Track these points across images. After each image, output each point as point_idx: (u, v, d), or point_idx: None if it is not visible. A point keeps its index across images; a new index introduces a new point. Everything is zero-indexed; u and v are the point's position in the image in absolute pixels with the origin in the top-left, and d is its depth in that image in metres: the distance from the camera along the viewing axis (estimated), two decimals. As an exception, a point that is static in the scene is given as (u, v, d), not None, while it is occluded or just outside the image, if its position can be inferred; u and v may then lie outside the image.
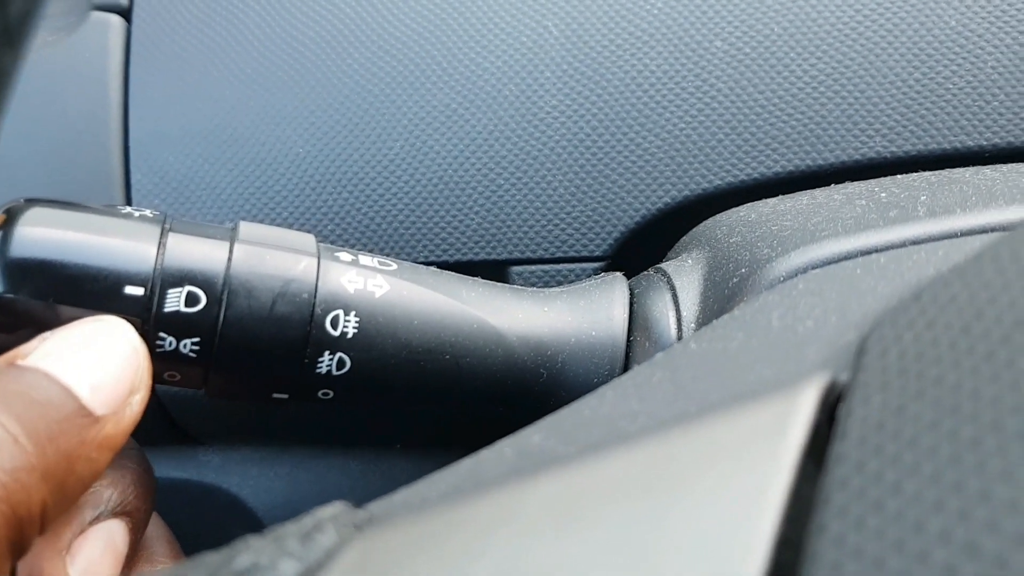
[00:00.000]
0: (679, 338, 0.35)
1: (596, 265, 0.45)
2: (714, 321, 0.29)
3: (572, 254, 0.45)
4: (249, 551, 0.19)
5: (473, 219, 0.45)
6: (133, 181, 0.46)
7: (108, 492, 0.34)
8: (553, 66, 0.45)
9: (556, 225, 0.45)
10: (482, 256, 0.45)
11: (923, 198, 0.34)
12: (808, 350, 0.24)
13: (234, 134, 0.46)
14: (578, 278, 0.44)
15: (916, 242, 0.31)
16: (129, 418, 0.31)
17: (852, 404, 0.18)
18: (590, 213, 0.44)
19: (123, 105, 0.46)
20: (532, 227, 0.45)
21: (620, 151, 0.44)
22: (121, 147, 0.46)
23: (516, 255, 0.45)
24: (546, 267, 0.45)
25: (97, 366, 0.30)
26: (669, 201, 0.44)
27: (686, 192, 0.44)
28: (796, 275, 0.31)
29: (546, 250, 0.45)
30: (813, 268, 0.31)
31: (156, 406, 0.49)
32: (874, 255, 0.30)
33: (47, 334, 0.31)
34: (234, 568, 0.18)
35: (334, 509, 0.20)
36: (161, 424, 0.50)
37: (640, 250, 0.45)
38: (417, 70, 0.45)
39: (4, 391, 0.29)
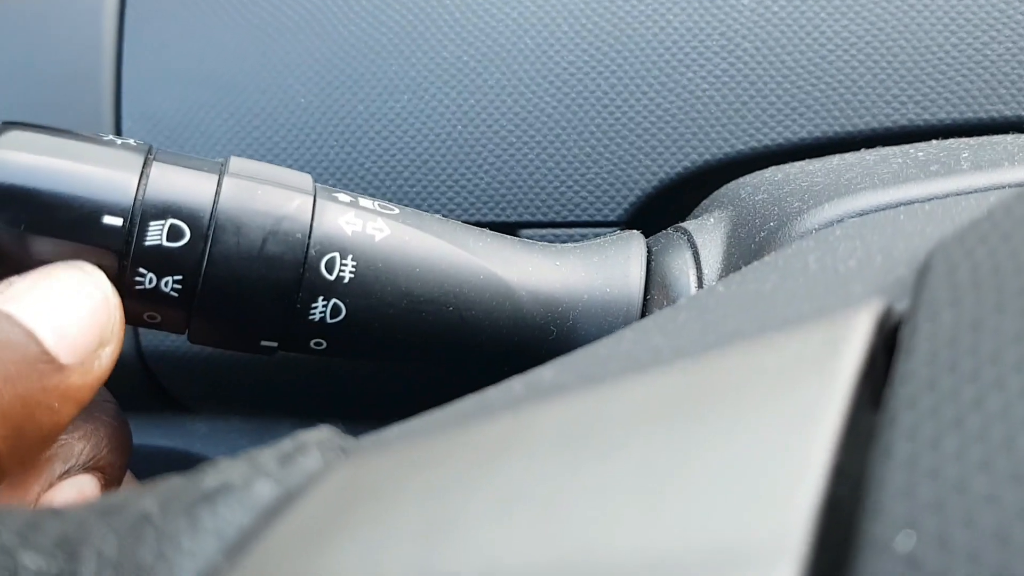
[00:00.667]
0: (700, 297, 0.33)
1: (610, 230, 0.42)
2: (743, 268, 0.27)
3: (585, 218, 0.42)
4: (219, 471, 0.17)
5: (483, 178, 0.42)
6: (124, 127, 0.43)
7: (80, 445, 0.32)
8: (571, 19, 0.42)
9: (569, 187, 0.42)
10: (491, 217, 0.42)
11: (965, 154, 0.32)
12: (853, 286, 0.21)
13: (232, 81, 0.43)
14: (591, 243, 0.42)
15: (961, 195, 0.29)
16: (98, 371, 0.29)
17: (918, 321, 0.16)
18: (606, 175, 0.42)
19: (117, 46, 0.44)
20: (544, 188, 0.42)
21: (639, 111, 0.42)
22: (113, 91, 0.44)
23: (527, 217, 0.42)
24: (558, 231, 0.43)
25: (64, 312, 0.28)
26: (689, 165, 0.42)
27: (707, 156, 0.42)
28: (830, 226, 0.29)
29: (558, 213, 0.42)
30: (849, 219, 0.29)
31: (143, 371, 0.47)
32: (917, 205, 0.28)
33: (14, 278, 0.29)
34: (201, 488, 0.16)
35: (320, 433, 0.18)
36: (148, 390, 0.48)
37: (657, 216, 0.42)
38: (428, 19, 0.43)
39: None
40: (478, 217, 0.42)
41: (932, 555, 0.12)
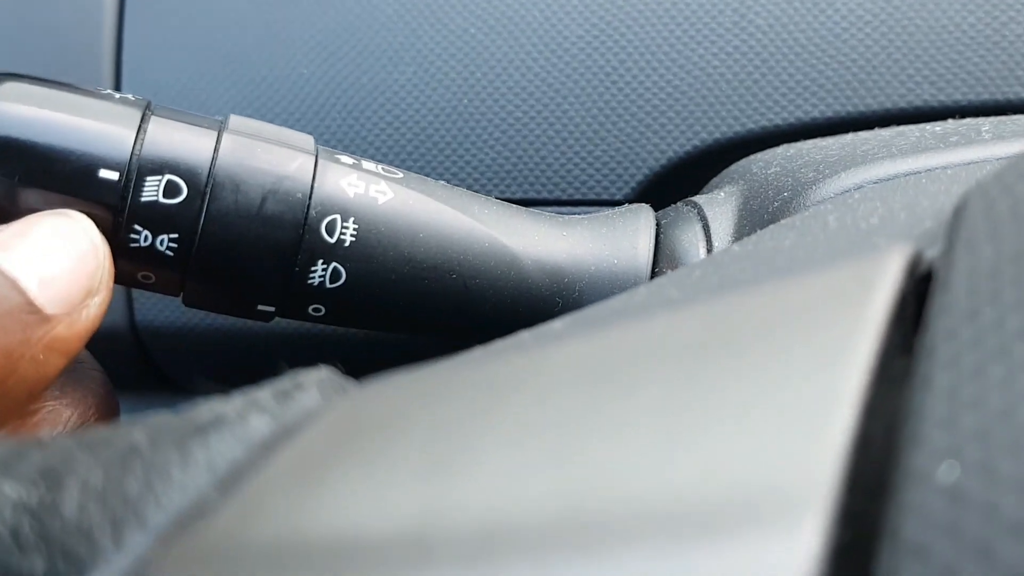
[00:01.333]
0: (710, 270, 0.32)
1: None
2: (760, 231, 0.26)
3: (592, 196, 0.41)
4: (213, 406, 0.16)
5: (488, 154, 0.41)
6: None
7: (68, 412, 0.31)
8: (581, -7, 0.41)
9: (576, 164, 0.41)
10: (496, 194, 0.42)
11: (985, 128, 0.31)
12: (877, 239, 0.20)
13: (234, 50, 0.42)
14: (597, 221, 0.41)
15: (984, 163, 0.28)
16: (85, 321, 0.28)
17: (956, 255, 0.15)
18: (613, 153, 0.41)
19: (118, 13, 0.43)
20: (551, 165, 0.41)
21: (649, 88, 0.41)
22: (113, 60, 0.43)
23: (532, 195, 0.42)
24: (564, 208, 0.42)
25: (50, 260, 0.27)
26: (699, 144, 0.41)
27: (717, 135, 0.41)
28: (848, 192, 0.28)
29: (564, 191, 0.42)
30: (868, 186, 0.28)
31: (136, 347, 0.46)
32: (939, 171, 0.27)
33: (3, 226, 0.28)
34: (194, 422, 0.15)
35: (320, 373, 0.17)
36: (141, 368, 0.47)
37: (666, 195, 0.41)
38: (434, -9, 0.42)
39: None
40: (483, 194, 0.41)
41: (977, 485, 0.12)
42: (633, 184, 0.41)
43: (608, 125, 0.41)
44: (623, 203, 0.41)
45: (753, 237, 0.25)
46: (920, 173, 0.27)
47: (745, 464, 0.13)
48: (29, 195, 0.28)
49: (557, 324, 0.20)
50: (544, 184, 0.41)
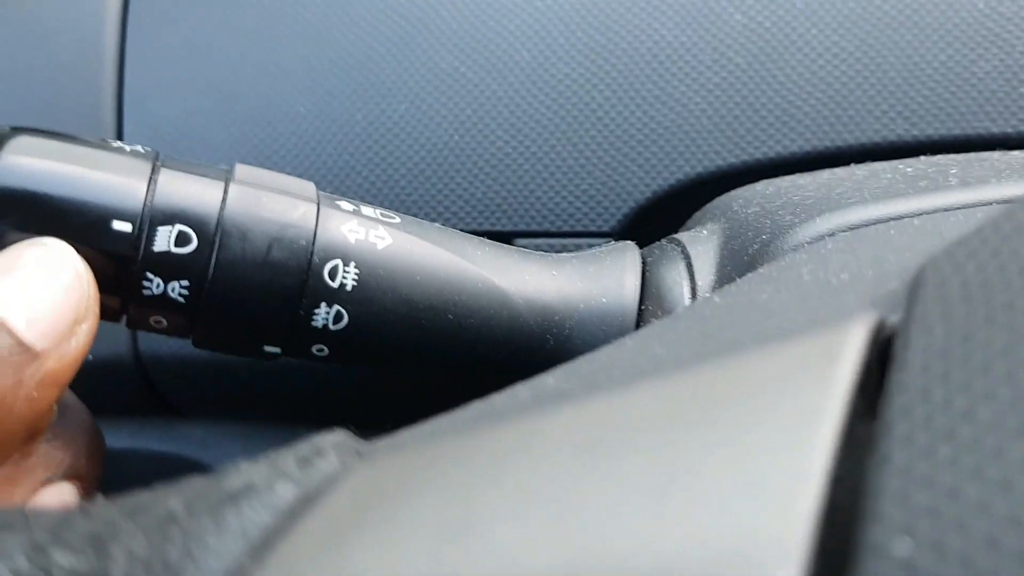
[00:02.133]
0: (693, 307, 0.33)
1: (603, 240, 0.43)
2: (738, 280, 0.28)
3: (579, 228, 0.43)
4: (241, 473, 0.17)
5: (477, 187, 0.43)
6: (125, 133, 0.44)
7: (60, 454, 0.32)
8: (567, 32, 0.43)
9: (564, 197, 0.43)
10: (485, 226, 0.43)
11: (953, 171, 0.33)
12: (846, 298, 0.22)
13: (233, 89, 0.44)
14: (584, 252, 0.43)
15: (949, 211, 0.29)
16: (75, 350, 0.28)
17: (911, 334, 0.17)
18: (599, 187, 0.43)
19: (119, 54, 0.44)
20: (539, 198, 0.43)
21: (632, 123, 0.42)
22: (115, 98, 0.44)
23: (521, 227, 0.43)
24: (551, 240, 0.43)
25: (35, 295, 0.27)
26: (682, 177, 0.42)
27: (699, 169, 0.42)
28: (821, 240, 0.30)
29: (552, 223, 0.43)
30: (840, 233, 0.30)
31: (139, 375, 0.47)
32: (907, 220, 0.29)
33: None
34: (225, 489, 0.17)
35: (335, 436, 0.19)
36: (142, 394, 0.48)
37: (649, 227, 0.43)
38: (425, 30, 0.44)
39: None
40: (473, 226, 0.43)
41: (927, 560, 0.13)
42: (619, 216, 0.43)
43: (593, 159, 0.43)
44: (607, 235, 0.43)
45: (732, 288, 0.26)
46: (890, 221, 0.29)
47: (725, 529, 0.15)
48: None
49: (551, 380, 0.22)
50: (533, 216, 0.43)
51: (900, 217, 0.29)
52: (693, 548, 0.14)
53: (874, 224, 0.29)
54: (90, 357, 0.29)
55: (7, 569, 0.15)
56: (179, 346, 0.46)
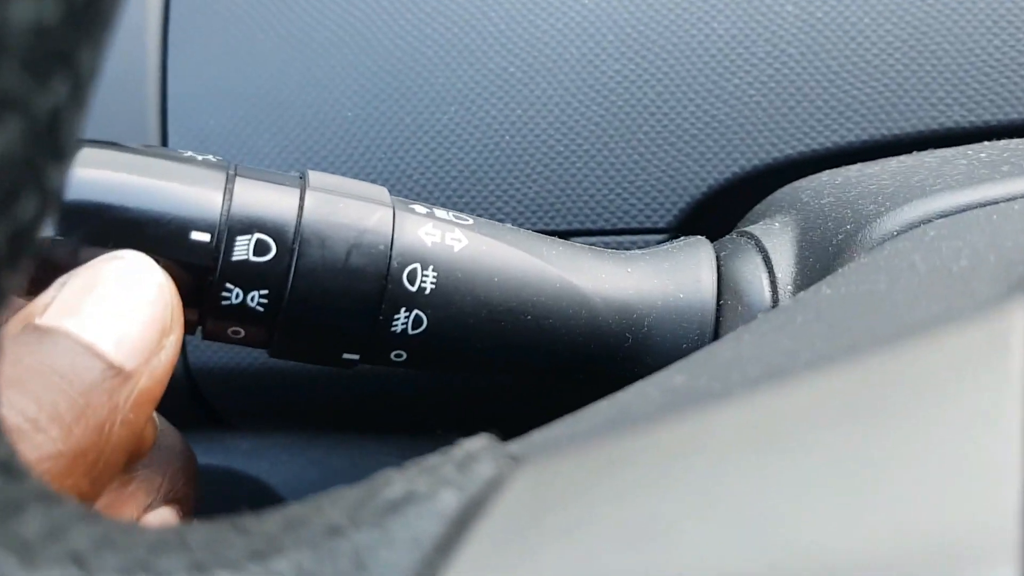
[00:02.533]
0: (774, 302, 0.33)
1: (659, 237, 0.42)
2: (839, 271, 0.27)
3: (635, 225, 0.43)
4: (400, 480, 0.17)
5: (531, 188, 0.42)
6: (171, 143, 0.43)
7: (159, 479, 0.31)
8: (616, 29, 0.42)
9: (618, 195, 0.42)
10: (540, 226, 0.43)
11: (1032, 154, 0.32)
12: (976, 285, 0.21)
13: (278, 96, 0.43)
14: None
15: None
16: (165, 364, 0.27)
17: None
18: (654, 183, 0.42)
19: (161, 63, 0.44)
20: (593, 196, 0.42)
21: (686, 118, 0.42)
22: (159, 107, 0.44)
23: (576, 226, 0.43)
24: (607, 238, 0.43)
25: (121, 314, 0.26)
26: (738, 171, 0.42)
27: (755, 162, 0.42)
28: (911, 229, 0.29)
29: (607, 221, 0.43)
30: (935, 220, 0.29)
31: (187, 386, 0.46)
32: (1004, 204, 0.28)
33: (64, 278, 0.27)
34: (386, 498, 0.16)
35: (482, 441, 0.18)
36: (190, 405, 0.48)
37: (705, 221, 0.42)
38: (472, 31, 0.43)
39: (21, 366, 0.25)
40: (528, 227, 0.42)
41: None
42: (675, 212, 0.42)
43: (647, 155, 0.42)
44: (663, 231, 0.42)
45: (839, 278, 0.26)
46: (985, 206, 0.28)
47: (932, 525, 0.14)
48: None
49: (678, 378, 0.21)
50: (587, 215, 0.42)
51: (994, 202, 0.29)
52: (901, 541, 0.14)
53: (969, 210, 0.29)
54: None
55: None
56: (228, 358, 0.45)
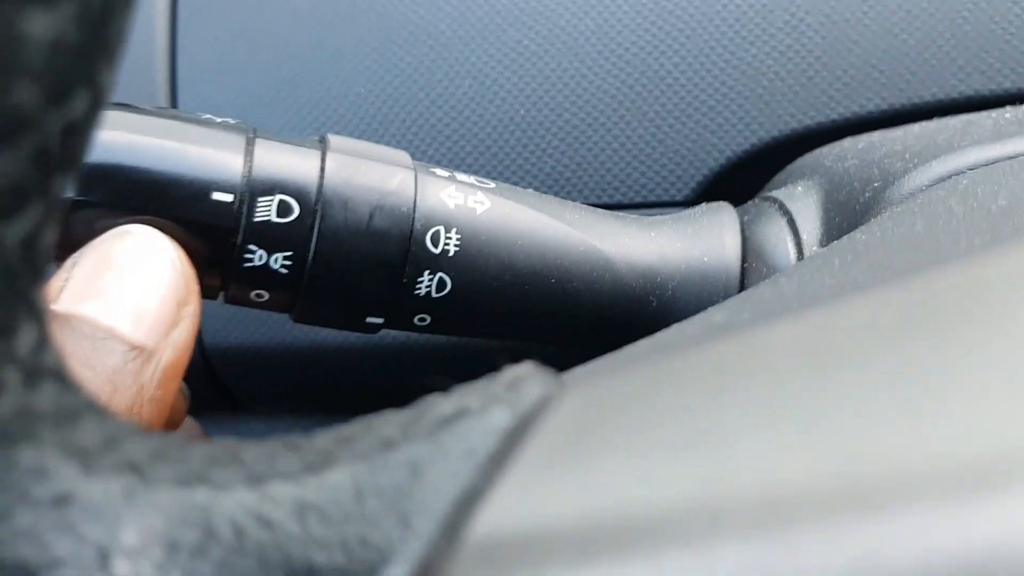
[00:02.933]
0: (800, 263, 0.32)
1: (678, 210, 0.42)
2: (872, 220, 0.27)
3: (652, 199, 0.42)
4: (451, 399, 0.16)
5: (548, 162, 0.42)
6: (185, 121, 0.43)
7: None
8: (632, 0, 0.42)
9: (636, 168, 0.42)
10: (557, 201, 0.42)
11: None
12: (1018, 220, 0.21)
13: (289, 72, 0.43)
14: (660, 223, 0.42)
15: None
16: (186, 335, 0.27)
17: None
18: (672, 155, 0.42)
19: (170, 40, 0.43)
20: (610, 170, 0.42)
21: (704, 89, 0.42)
22: (168, 85, 0.43)
23: (593, 199, 0.42)
24: (625, 212, 0.42)
25: (136, 291, 0.26)
26: (756, 142, 0.42)
27: (774, 133, 0.42)
28: (948, 180, 0.29)
29: (624, 194, 0.42)
30: (967, 171, 0.29)
31: (203, 368, 0.46)
32: (1036, 154, 0.28)
33: (74, 258, 0.27)
34: (438, 414, 0.16)
35: (527, 366, 0.18)
36: (206, 388, 0.47)
37: (724, 194, 0.42)
38: (488, 5, 0.43)
39: None
40: (545, 201, 0.42)
41: None
42: (693, 184, 0.42)
43: (666, 128, 0.42)
44: (682, 204, 0.42)
45: (873, 226, 0.25)
46: (1017, 157, 0.28)
47: (998, 428, 0.14)
48: (141, 223, 0.28)
49: (717, 316, 0.21)
50: (605, 189, 0.42)
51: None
52: (971, 443, 0.13)
53: (999, 162, 0.28)
54: None
55: (234, 501, 0.14)
56: (244, 340, 0.45)
